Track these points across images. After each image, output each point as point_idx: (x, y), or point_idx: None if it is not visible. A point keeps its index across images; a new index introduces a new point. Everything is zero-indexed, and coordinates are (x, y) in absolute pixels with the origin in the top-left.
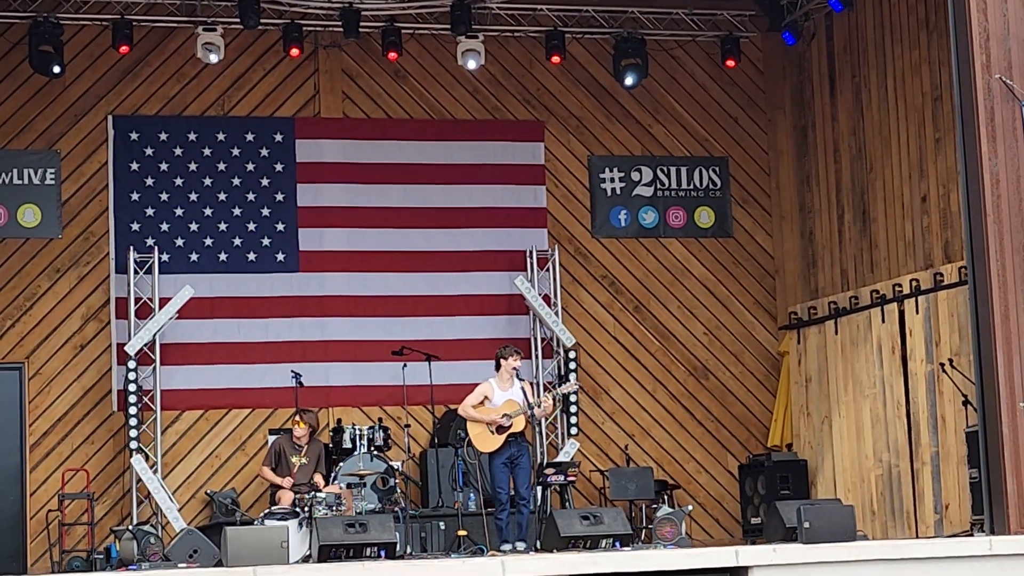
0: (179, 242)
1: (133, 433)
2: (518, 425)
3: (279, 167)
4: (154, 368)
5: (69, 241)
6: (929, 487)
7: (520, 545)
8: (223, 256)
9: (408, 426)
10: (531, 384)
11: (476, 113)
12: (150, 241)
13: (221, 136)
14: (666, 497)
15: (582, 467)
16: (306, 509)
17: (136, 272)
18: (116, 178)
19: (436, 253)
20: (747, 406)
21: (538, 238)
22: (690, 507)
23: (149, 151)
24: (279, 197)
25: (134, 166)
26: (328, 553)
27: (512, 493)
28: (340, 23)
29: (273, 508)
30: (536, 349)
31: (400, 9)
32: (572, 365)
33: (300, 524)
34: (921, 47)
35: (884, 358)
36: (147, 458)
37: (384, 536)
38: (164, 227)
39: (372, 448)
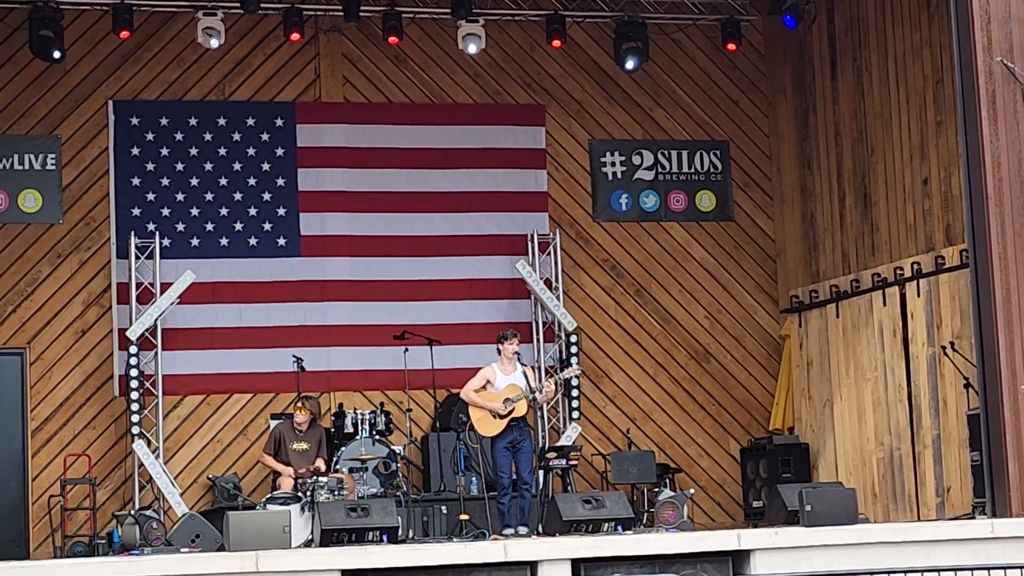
0: (180, 227)
1: (135, 418)
2: (520, 409)
3: (280, 152)
4: (156, 353)
5: (70, 226)
6: (931, 470)
7: (522, 529)
8: (224, 241)
9: (410, 410)
10: (533, 368)
11: (477, 97)
12: (151, 226)
13: (222, 121)
14: (668, 481)
15: (584, 451)
16: (308, 494)
17: (137, 257)
18: (117, 163)
19: (437, 237)
20: (748, 389)
21: (539, 222)
22: (692, 490)
23: (150, 136)
24: (280, 182)
25: (135, 151)
26: (330, 537)
27: (514, 477)
28: (340, 7)
29: (275, 493)
30: (538, 333)
31: None
32: (574, 349)
33: (302, 509)
34: (922, 30)
35: (886, 341)
36: (149, 443)
37: (386, 520)
38: (165, 212)
39: (374, 433)
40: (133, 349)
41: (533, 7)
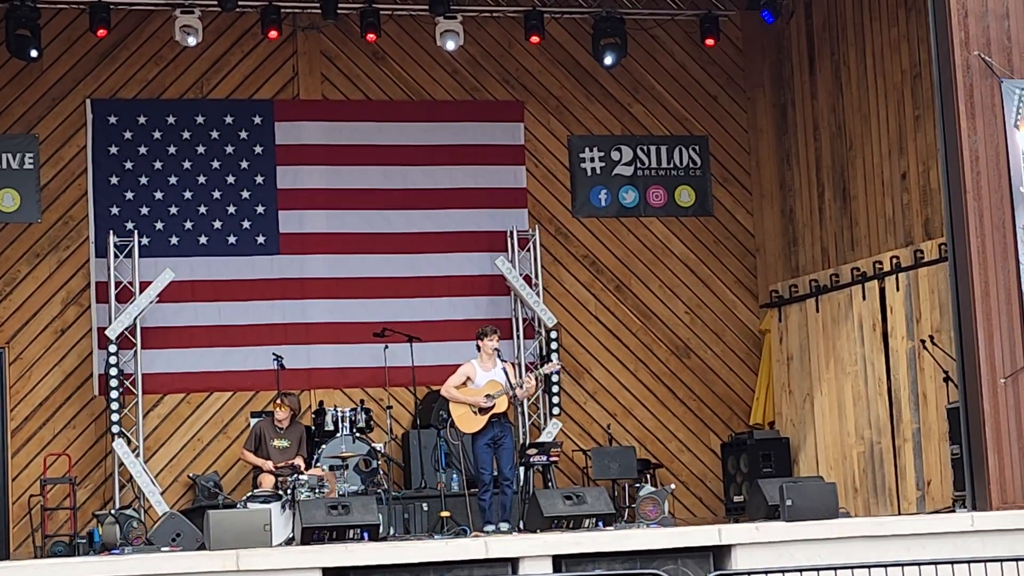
0: (159, 225)
1: (115, 417)
2: (501, 406)
3: (258, 149)
4: (135, 352)
5: (48, 225)
6: (911, 464)
7: (503, 526)
8: (203, 239)
9: (390, 408)
10: (513, 364)
11: (455, 94)
12: (130, 225)
13: (200, 119)
14: (649, 476)
15: (564, 447)
16: (289, 492)
17: (116, 256)
18: (95, 162)
19: (417, 234)
20: (729, 384)
21: (519, 218)
22: (673, 486)
23: (128, 135)
24: (259, 180)
25: (113, 150)
26: (311, 535)
27: (495, 474)
28: (318, 5)
29: (256, 491)
30: (518, 329)
31: None
32: (554, 345)
33: (283, 507)
34: (900, 24)
35: (865, 335)
36: (129, 442)
37: (367, 518)
38: (144, 211)
39: (354, 430)
40: (112, 348)
41: (511, 3)
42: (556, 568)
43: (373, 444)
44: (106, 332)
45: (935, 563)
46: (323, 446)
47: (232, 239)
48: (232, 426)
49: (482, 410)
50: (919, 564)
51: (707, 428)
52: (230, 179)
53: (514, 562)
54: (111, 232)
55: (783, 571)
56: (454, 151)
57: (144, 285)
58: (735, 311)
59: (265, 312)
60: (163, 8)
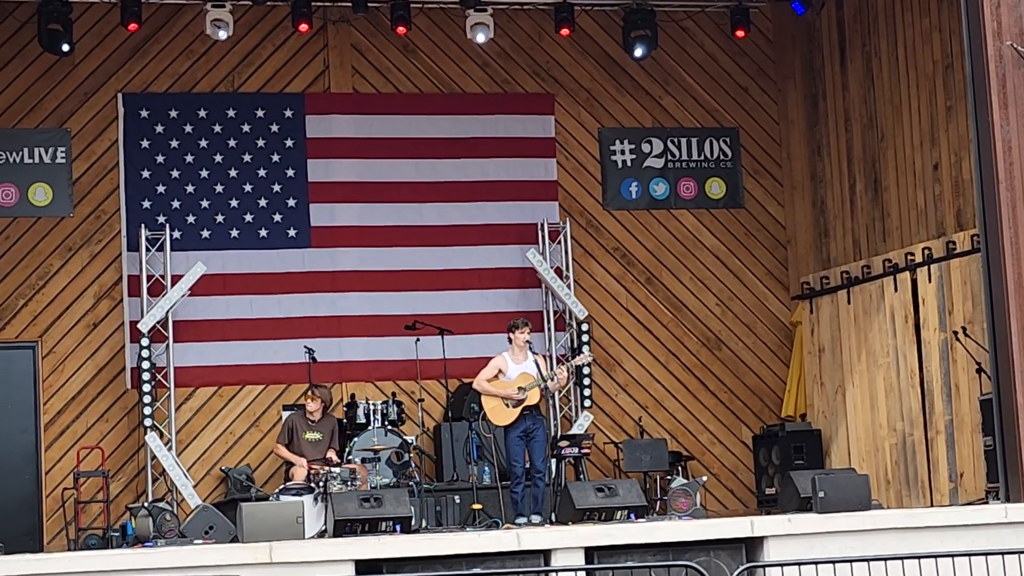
0: (190, 219)
1: (147, 410)
2: (533, 398)
3: (289, 143)
4: (167, 345)
5: (81, 219)
6: (944, 456)
7: (535, 518)
8: (235, 232)
9: (422, 400)
10: (545, 357)
11: (486, 86)
12: (161, 218)
13: (231, 113)
14: (680, 468)
15: (596, 439)
16: (321, 484)
17: (148, 250)
18: (127, 156)
19: (448, 227)
20: (760, 376)
21: (549, 211)
22: (704, 478)
23: (159, 128)
24: (290, 173)
25: (144, 143)
26: (343, 528)
27: (527, 466)
28: None
29: (288, 484)
30: (549, 322)
31: None
32: (585, 337)
33: (315, 499)
34: (932, 14)
35: (897, 327)
36: (161, 435)
37: (399, 510)
38: (175, 204)
39: (386, 423)
40: (145, 342)
41: None
42: (588, 560)
43: (405, 437)
44: (138, 326)
45: (968, 555)
46: (355, 439)
47: (263, 232)
48: (264, 419)
49: (514, 403)
50: (952, 556)
51: (738, 420)
52: (261, 172)
53: (546, 554)
54: (143, 226)
55: (815, 563)
56: (485, 144)
57: (176, 279)
58: (766, 303)
59: (296, 305)
60: (194, 2)
